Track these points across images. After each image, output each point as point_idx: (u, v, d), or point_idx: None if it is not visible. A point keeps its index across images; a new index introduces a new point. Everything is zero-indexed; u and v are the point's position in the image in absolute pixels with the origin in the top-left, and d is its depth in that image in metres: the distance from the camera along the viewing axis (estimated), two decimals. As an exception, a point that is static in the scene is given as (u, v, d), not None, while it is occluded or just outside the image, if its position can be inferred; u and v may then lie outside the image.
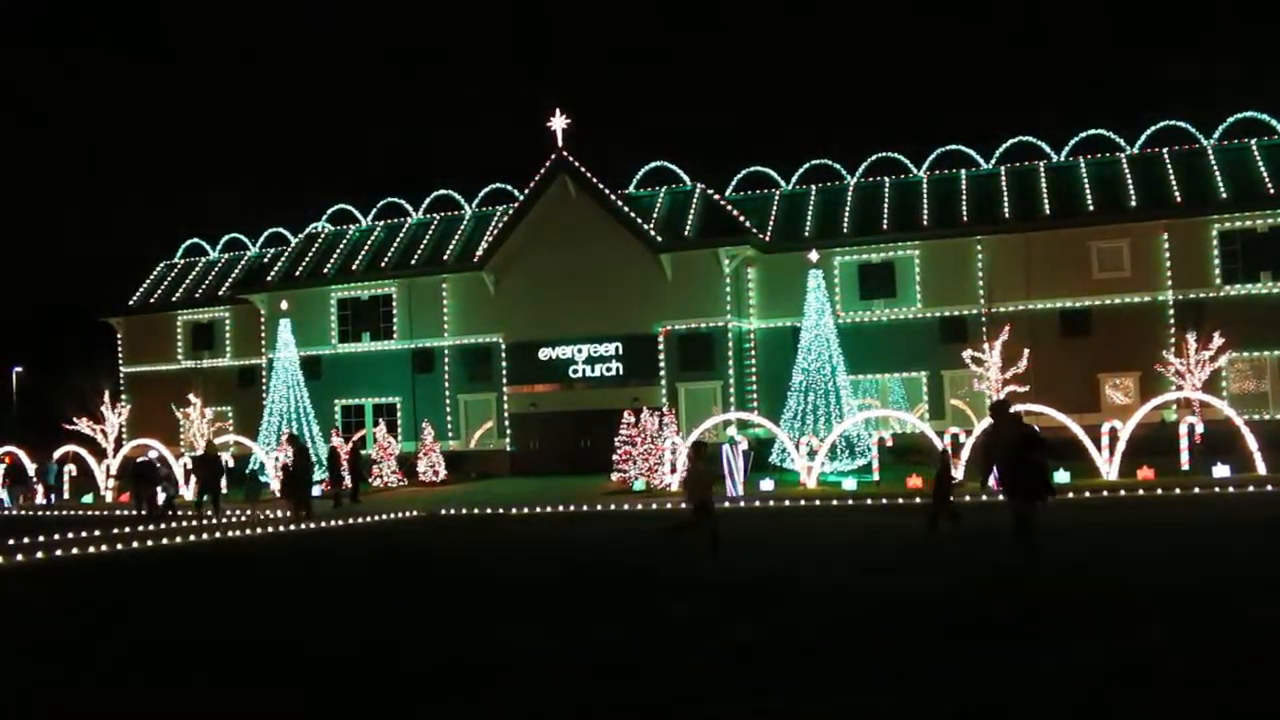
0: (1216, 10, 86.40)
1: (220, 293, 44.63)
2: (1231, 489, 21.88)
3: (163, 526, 23.68)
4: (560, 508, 24.95)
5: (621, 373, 37.23)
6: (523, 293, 38.50)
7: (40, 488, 35.39)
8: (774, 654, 8.91)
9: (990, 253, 35.71)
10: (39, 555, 18.15)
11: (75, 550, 18.72)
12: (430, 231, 42.07)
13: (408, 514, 25.25)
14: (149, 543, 19.99)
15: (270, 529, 22.56)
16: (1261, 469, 24.05)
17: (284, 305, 38.02)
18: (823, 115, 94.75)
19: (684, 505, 15.45)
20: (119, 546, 19.41)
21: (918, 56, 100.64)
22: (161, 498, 27.31)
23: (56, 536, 20.84)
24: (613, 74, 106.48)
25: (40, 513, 31.40)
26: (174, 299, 46.12)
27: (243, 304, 43.56)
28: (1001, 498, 13.49)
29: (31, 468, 35.94)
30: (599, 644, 9.57)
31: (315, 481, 30.85)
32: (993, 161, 38.01)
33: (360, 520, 24.34)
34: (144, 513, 26.79)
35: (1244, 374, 33.72)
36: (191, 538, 20.85)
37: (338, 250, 42.80)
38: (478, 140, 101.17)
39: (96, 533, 21.45)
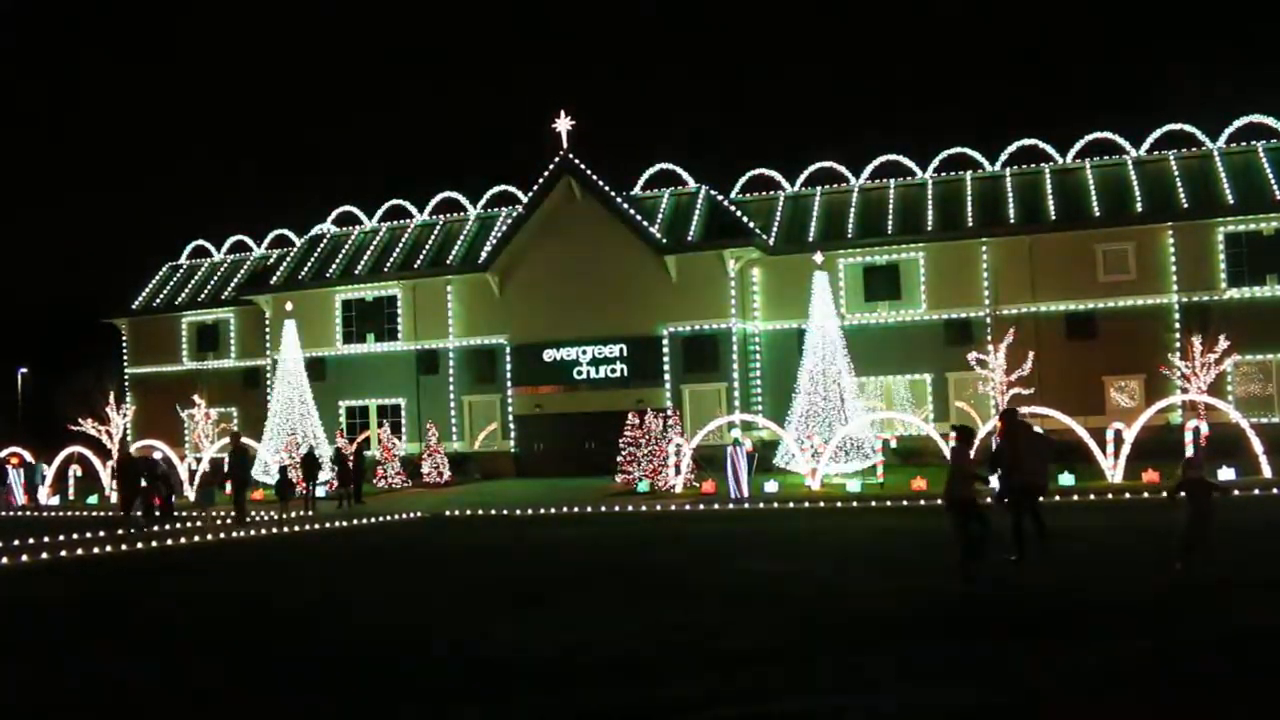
0: (1221, 12, 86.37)
1: (225, 294, 44.66)
2: (1237, 492, 21.81)
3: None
4: (576, 509, 24.93)
5: (626, 374, 37.23)
6: (527, 294, 38.51)
7: (18, 488, 34.69)
8: (778, 655, 8.90)
9: (995, 255, 35.67)
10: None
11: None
12: (434, 233, 42.07)
13: (414, 514, 25.25)
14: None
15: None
16: (1267, 472, 23.96)
17: (289, 306, 38.03)
18: (827, 118, 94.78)
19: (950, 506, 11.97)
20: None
21: (922, 58, 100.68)
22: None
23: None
24: (617, 76, 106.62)
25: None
26: (179, 300, 46.16)
27: (247, 305, 43.60)
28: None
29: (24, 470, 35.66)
30: (609, 646, 9.56)
31: (321, 482, 30.90)
32: (998, 164, 37.95)
33: (360, 521, 24.34)
34: (147, 514, 26.72)
35: (1249, 377, 33.64)
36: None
37: (342, 252, 42.82)
38: (482, 142, 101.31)
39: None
